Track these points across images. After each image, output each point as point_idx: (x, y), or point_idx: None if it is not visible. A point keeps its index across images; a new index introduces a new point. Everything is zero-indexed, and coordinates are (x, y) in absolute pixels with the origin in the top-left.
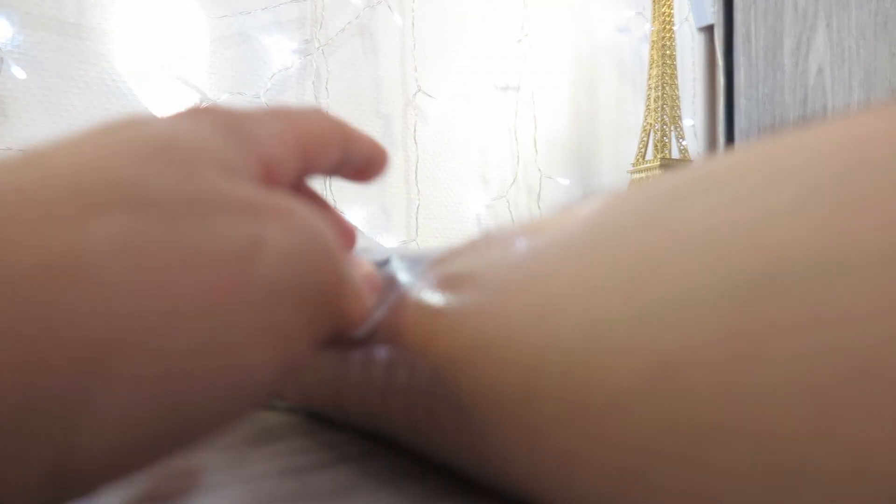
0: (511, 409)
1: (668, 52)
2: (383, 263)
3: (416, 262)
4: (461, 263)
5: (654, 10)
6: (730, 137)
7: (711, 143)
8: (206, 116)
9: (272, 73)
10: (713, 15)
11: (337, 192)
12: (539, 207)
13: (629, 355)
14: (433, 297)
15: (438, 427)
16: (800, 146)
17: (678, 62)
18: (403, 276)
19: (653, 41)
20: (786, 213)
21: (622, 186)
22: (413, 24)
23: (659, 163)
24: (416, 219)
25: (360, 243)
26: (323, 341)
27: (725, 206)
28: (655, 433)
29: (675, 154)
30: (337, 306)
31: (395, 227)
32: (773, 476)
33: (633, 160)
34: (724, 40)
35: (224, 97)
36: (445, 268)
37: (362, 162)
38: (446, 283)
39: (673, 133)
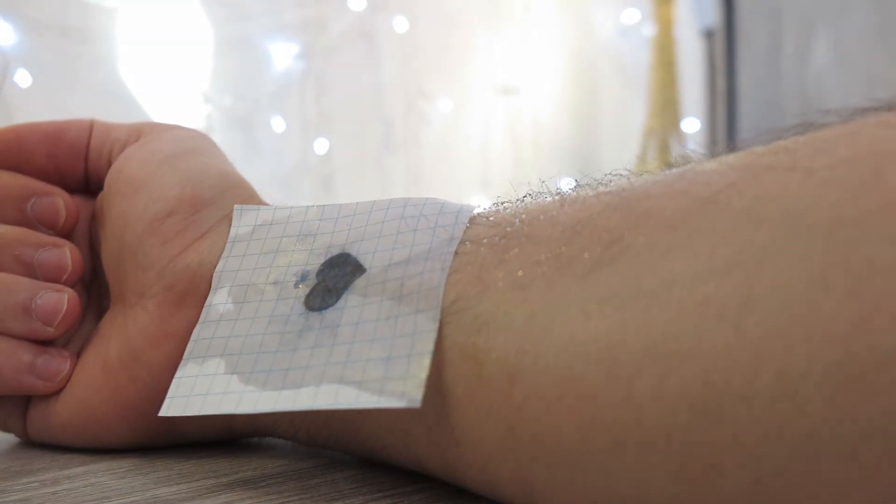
0: (619, 458)
1: (669, 55)
2: (350, 269)
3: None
4: (505, 285)
5: (656, 13)
6: (731, 141)
7: (712, 147)
8: None
9: (274, 78)
10: (714, 18)
11: (337, 194)
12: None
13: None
14: (498, 326)
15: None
16: None
17: (679, 65)
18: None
19: (654, 44)
20: None
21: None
22: (414, 27)
23: (659, 166)
24: None
25: (277, 213)
26: None
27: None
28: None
29: (676, 158)
30: None
31: None
32: None
33: (633, 163)
34: (725, 43)
35: (227, 102)
36: (490, 294)
37: None
38: (504, 309)
39: (674, 136)
